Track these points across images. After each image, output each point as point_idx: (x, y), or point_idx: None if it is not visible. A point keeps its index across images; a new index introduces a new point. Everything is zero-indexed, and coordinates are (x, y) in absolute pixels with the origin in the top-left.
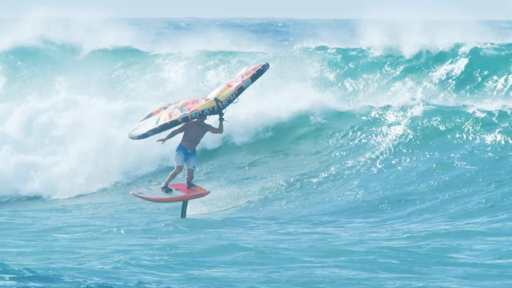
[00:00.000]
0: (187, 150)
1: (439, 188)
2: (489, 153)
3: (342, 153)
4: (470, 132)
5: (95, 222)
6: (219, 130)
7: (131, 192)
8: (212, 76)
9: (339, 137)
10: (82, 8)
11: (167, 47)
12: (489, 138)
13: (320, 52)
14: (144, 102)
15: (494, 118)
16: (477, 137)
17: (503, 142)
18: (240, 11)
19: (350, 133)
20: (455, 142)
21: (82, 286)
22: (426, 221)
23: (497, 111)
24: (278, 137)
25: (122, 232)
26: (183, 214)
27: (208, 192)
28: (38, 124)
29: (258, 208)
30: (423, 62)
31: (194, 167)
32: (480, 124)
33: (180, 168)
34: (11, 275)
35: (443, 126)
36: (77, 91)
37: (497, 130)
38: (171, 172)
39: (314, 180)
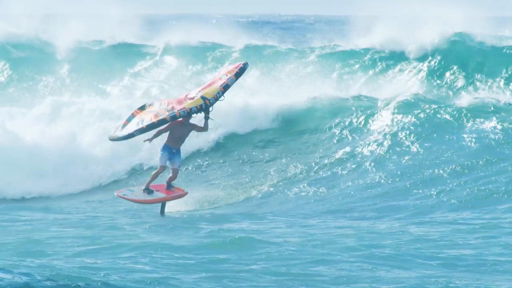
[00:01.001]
0: (172, 149)
1: (458, 173)
2: (496, 138)
3: (355, 138)
4: (475, 119)
5: (117, 218)
6: (204, 128)
7: (115, 194)
8: (198, 69)
9: (350, 125)
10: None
11: (155, 40)
12: (492, 125)
13: (324, 48)
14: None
15: (495, 106)
16: (482, 124)
17: (508, 127)
18: (274, 7)
19: (357, 120)
20: (462, 128)
21: (104, 284)
22: (454, 209)
23: (494, 99)
24: (290, 123)
25: (144, 228)
26: (162, 212)
27: (187, 193)
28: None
29: (280, 197)
30: (430, 54)
31: (179, 166)
32: (485, 111)
33: (163, 168)
34: (35, 271)
35: (449, 113)
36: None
37: (500, 116)
38: (154, 172)
39: (332, 165)
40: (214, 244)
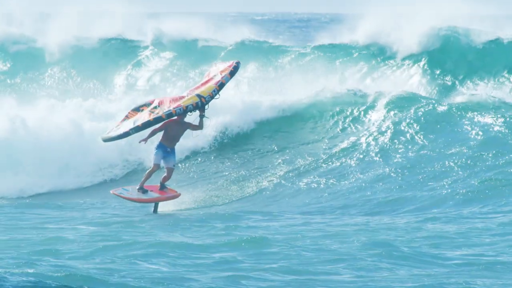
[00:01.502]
0: (166, 148)
1: (470, 166)
2: (502, 131)
3: (359, 130)
4: (479, 113)
5: (133, 215)
6: (199, 127)
7: (111, 192)
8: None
9: (353, 118)
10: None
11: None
12: (495, 119)
13: (325, 44)
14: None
15: (494, 102)
16: (485, 118)
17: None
18: (290, 5)
19: (359, 114)
20: (468, 121)
21: (119, 284)
22: (468, 203)
23: (493, 96)
24: (291, 118)
25: (160, 226)
26: (155, 211)
27: (180, 195)
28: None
29: (292, 190)
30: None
31: (173, 166)
32: (486, 106)
33: (157, 167)
34: (50, 270)
35: (453, 107)
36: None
37: (500, 112)
38: (147, 171)
39: (340, 157)
40: (231, 243)
